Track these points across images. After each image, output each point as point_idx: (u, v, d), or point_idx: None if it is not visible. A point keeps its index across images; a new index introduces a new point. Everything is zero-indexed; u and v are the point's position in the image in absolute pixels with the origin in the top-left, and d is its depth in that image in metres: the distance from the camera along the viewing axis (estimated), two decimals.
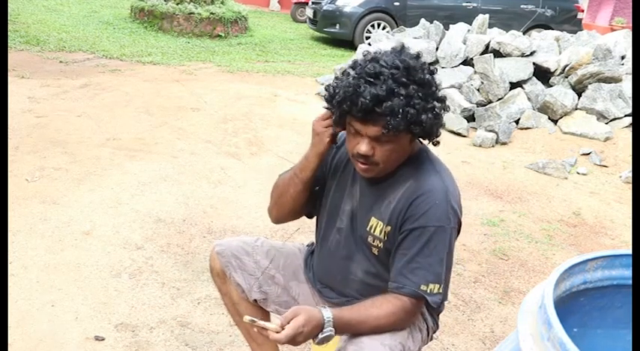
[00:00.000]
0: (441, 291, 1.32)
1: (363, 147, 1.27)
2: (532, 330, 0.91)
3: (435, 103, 1.27)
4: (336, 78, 1.32)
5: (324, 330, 1.26)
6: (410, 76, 1.23)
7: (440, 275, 1.32)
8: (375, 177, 1.37)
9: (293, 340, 1.22)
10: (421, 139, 1.36)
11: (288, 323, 1.21)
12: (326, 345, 1.48)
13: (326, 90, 1.35)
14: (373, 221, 1.39)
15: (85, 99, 4.82)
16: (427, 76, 1.26)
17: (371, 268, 1.44)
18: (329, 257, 1.51)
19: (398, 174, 1.37)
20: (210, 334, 2.09)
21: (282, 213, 1.56)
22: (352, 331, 1.32)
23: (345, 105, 1.24)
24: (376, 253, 1.41)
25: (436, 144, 1.37)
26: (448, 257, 1.33)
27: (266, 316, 1.68)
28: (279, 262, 1.62)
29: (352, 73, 1.27)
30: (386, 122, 1.21)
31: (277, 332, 1.21)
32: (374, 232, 1.39)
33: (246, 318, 1.23)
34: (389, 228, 1.36)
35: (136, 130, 4.20)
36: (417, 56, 1.29)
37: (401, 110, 1.20)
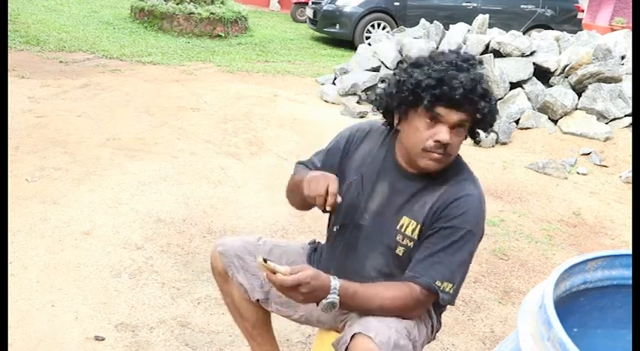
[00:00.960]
0: (452, 291, 1.33)
1: (446, 135, 1.29)
2: (532, 330, 0.91)
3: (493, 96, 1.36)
4: (395, 74, 1.38)
5: (330, 295, 1.25)
6: (475, 66, 1.31)
7: (456, 276, 1.33)
8: (436, 168, 1.37)
9: (296, 290, 1.22)
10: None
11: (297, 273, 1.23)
12: (328, 332, 1.48)
13: (387, 86, 1.39)
14: (405, 220, 1.39)
15: (85, 99, 4.82)
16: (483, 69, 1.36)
17: (385, 268, 1.44)
18: (342, 253, 1.50)
19: (436, 177, 1.39)
20: (210, 334, 2.09)
21: (299, 208, 1.61)
22: (357, 305, 1.32)
23: (438, 89, 1.26)
24: (400, 253, 1.40)
25: (478, 143, 1.46)
26: (467, 263, 1.36)
27: (267, 318, 1.68)
28: (281, 262, 1.62)
29: (431, 64, 1.31)
30: (475, 108, 1.28)
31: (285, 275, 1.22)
32: (405, 231, 1.39)
33: (259, 258, 1.23)
34: (423, 227, 1.37)
35: (136, 130, 4.20)
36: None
37: (488, 98, 1.29)
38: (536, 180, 4.12)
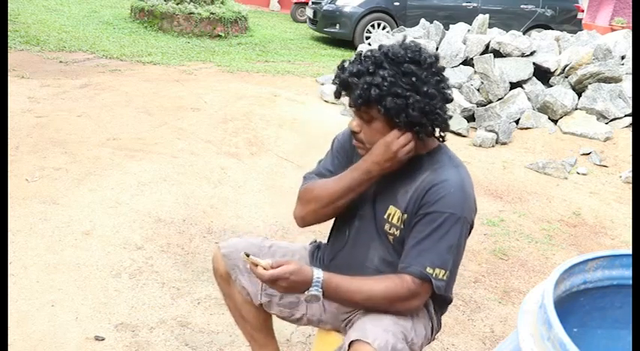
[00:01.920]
0: (445, 278, 1.32)
1: (352, 122, 1.40)
2: (532, 330, 0.91)
3: (413, 94, 1.30)
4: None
5: (311, 288, 1.30)
6: (393, 62, 1.31)
7: (447, 262, 1.32)
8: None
9: (275, 283, 1.29)
10: (440, 137, 1.42)
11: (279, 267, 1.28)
12: (328, 337, 1.48)
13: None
14: (391, 209, 1.41)
15: (85, 99, 4.82)
16: (414, 68, 1.30)
17: (387, 256, 1.45)
18: (348, 244, 1.52)
19: (415, 166, 1.40)
20: (211, 334, 2.09)
21: (319, 220, 1.54)
22: (341, 297, 1.35)
23: (335, 79, 1.39)
24: (392, 241, 1.43)
25: (442, 140, 1.44)
26: (457, 248, 1.34)
27: (268, 319, 1.69)
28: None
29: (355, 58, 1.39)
30: (367, 100, 1.31)
31: (265, 270, 1.28)
32: (392, 220, 1.41)
33: (242, 253, 1.32)
34: (405, 216, 1.38)
35: (136, 130, 4.20)
36: (417, 50, 1.34)
37: (364, 87, 1.30)
38: (536, 180, 4.12)
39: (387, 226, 1.42)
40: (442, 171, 1.37)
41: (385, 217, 1.42)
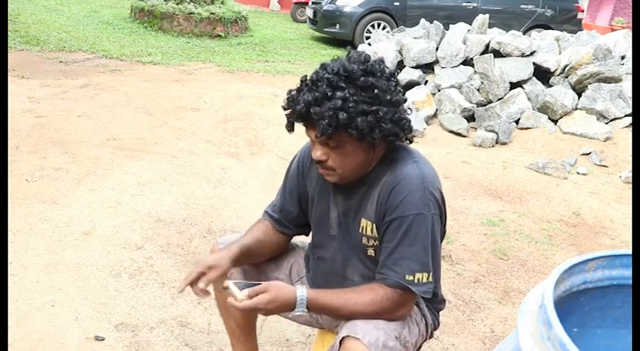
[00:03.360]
0: (430, 280, 1.30)
1: (317, 152, 1.32)
2: (532, 330, 0.91)
3: (381, 107, 1.25)
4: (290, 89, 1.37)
5: (296, 310, 1.28)
6: (349, 79, 1.25)
7: (426, 264, 1.29)
8: (342, 182, 1.37)
9: (252, 312, 1.29)
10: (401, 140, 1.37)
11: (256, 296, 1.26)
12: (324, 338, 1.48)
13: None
14: (363, 222, 1.39)
15: (85, 99, 4.82)
16: (371, 79, 1.25)
17: (367, 271, 1.43)
18: (326, 265, 1.51)
19: (377, 172, 1.37)
20: (211, 334, 2.09)
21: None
22: (329, 313, 1.34)
23: (287, 112, 1.32)
24: (373, 253, 1.41)
25: (409, 142, 1.39)
26: (433, 245, 1.31)
27: (253, 319, 1.70)
28: (282, 263, 1.63)
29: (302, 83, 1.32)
30: (318, 126, 1.24)
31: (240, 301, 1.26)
32: (366, 232, 1.39)
33: (225, 282, 1.29)
34: (376, 224, 1.36)
35: (136, 130, 4.20)
36: (365, 60, 1.29)
37: (330, 114, 1.21)
38: (536, 180, 4.12)
39: (364, 240, 1.40)
40: (400, 169, 1.33)
41: (360, 231, 1.40)
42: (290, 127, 1.37)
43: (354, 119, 1.23)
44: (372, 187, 1.37)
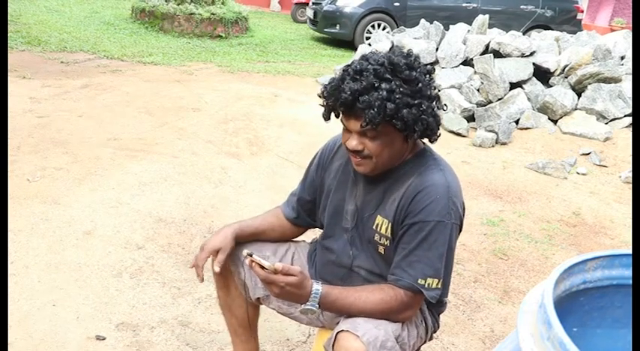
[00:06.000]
0: (439, 286, 1.32)
1: (352, 142, 1.31)
2: (532, 330, 0.92)
3: (423, 100, 1.28)
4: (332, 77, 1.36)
5: (308, 303, 1.29)
6: (394, 72, 1.26)
7: (439, 270, 1.32)
8: (372, 173, 1.38)
9: (270, 288, 1.28)
10: (424, 138, 1.37)
11: (282, 274, 1.25)
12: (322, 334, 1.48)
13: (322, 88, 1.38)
14: (379, 219, 1.40)
15: (86, 99, 4.82)
16: (415, 73, 1.27)
17: (374, 267, 1.45)
18: (334, 257, 1.52)
19: (402, 172, 1.38)
20: (211, 333, 2.10)
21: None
22: (338, 310, 1.35)
23: (330, 101, 1.31)
24: (382, 251, 1.42)
25: (433, 141, 1.39)
26: (448, 253, 1.33)
27: (255, 318, 1.71)
28: (287, 259, 1.64)
29: (343, 71, 1.32)
30: (364, 116, 1.24)
31: (268, 271, 1.25)
32: (380, 230, 1.40)
33: (245, 252, 1.28)
34: (393, 225, 1.37)
35: (136, 130, 4.20)
36: (408, 54, 1.31)
37: (378, 103, 1.22)
38: (536, 180, 4.13)
39: (376, 237, 1.41)
40: (428, 175, 1.34)
41: (374, 227, 1.41)
42: (327, 116, 1.38)
43: (400, 110, 1.24)
44: (395, 185, 1.38)
